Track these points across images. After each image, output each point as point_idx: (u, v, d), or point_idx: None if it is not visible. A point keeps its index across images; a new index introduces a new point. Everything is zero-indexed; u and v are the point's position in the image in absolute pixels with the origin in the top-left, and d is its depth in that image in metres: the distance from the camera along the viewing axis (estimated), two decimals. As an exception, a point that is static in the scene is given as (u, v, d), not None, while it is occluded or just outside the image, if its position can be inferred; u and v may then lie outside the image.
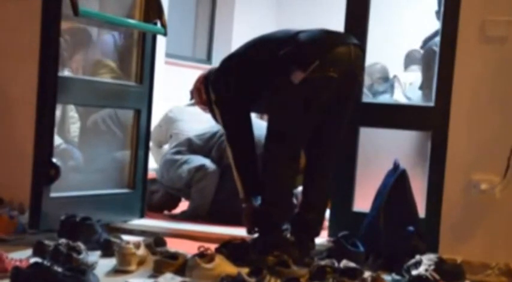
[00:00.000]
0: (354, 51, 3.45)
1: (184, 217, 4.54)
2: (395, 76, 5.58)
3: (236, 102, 3.66)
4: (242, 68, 3.64)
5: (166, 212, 4.69)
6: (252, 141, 3.70)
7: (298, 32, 3.52)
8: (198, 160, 4.65)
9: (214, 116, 3.80)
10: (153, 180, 4.83)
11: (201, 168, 4.58)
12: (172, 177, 4.71)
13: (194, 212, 4.58)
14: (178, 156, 4.74)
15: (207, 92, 3.79)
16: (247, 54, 3.66)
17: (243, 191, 3.69)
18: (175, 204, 4.92)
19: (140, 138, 4.23)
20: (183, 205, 4.74)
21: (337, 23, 3.92)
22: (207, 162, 4.62)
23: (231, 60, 3.73)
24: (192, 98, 5.75)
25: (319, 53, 3.39)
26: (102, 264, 3.08)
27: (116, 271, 3.02)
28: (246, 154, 3.69)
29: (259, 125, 4.01)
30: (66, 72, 3.89)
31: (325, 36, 3.55)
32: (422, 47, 4.71)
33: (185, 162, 4.68)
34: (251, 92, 3.63)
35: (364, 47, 3.78)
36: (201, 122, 5.03)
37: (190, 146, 4.78)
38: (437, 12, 4.45)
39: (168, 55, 7.95)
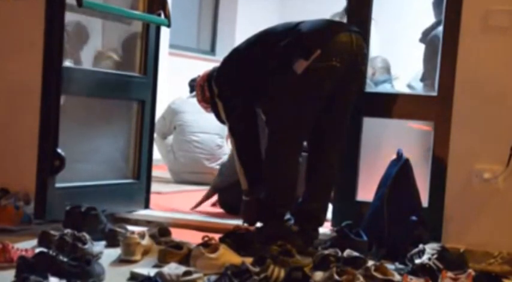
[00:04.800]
0: (356, 39, 3.46)
1: (205, 200, 4.53)
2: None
3: (238, 94, 3.67)
4: (245, 61, 3.66)
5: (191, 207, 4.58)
6: (256, 133, 3.72)
7: (298, 23, 3.54)
8: None
9: (216, 112, 3.81)
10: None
11: None
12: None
13: (215, 188, 4.56)
14: None
15: (210, 89, 3.80)
16: (250, 48, 3.67)
17: (246, 183, 3.70)
18: None
19: (144, 129, 4.25)
20: (190, 197, 4.73)
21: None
22: None
23: (233, 55, 3.75)
24: (191, 91, 5.76)
25: (320, 41, 3.40)
26: (107, 254, 3.10)
27: (121, 261, 3.05)
28: (249, 146, 3.71)
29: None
30: (67, 63, 3.89)
31: (326, 25, 3.57)
32: (421, 40, 4.70)
33: None
34: (254, 84, 3.64)
35: (367, 39, 3.78)
36: (204, 114, 5.03)
37: None
38: (434, 3, 4.45)
39: (172, 46, 7.96)
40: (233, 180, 4.44)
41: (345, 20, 5.08)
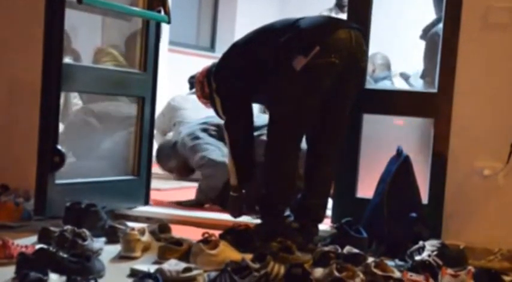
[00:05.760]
0: (355, 35, 3.46)
1: (188, 205, 4.54)
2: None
3: (237, 90, 3.67)
4: (243, 57, 3.66)
5: (172, 200, 4.68)
6: (251, 131, 3.72)
7: (298, 19, 3.54)
8: (213, 150, 4.67)
9: (214, 108, 3.81)
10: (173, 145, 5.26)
11: (209, 161, 4.63)
12: (189, 156, 4.88)
13: (199, 202, 4.59)
14: (196, 141, 4.82)
15: (209, 85, 3.81)
16: (249, 44, 3.67)
17: (235, 179, 3.71)
18: (188, 173, 5.41)
19: (144, 125, 4.24)
20: (190, 193, 4.75)
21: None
22: (218, 153, 4.64)
23: (232, 50, 3.74)
24: (191, 87, 5.80)
25: (319, 38, 3.40)
26: (107, 251, 3.11)
27: (121, 257, 3.05)
28: (242, 143, 3.71)
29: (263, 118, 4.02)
30: (67, 60, 3.89)
31: (325, 22, 3.58)
32: (421, 37, 4.71)
33: (201, 148, 4.74)
34: (252, 81, 3.63)
35: (367, 36, 3.77)
36: (204, 110, 5.03)
37: (220, 131, 4.72)
38: (435, 0, 4.45)
39: (171, 43, 7.95)
40: (214, 195, 4.49)
41: (338, 16, 5.10)
